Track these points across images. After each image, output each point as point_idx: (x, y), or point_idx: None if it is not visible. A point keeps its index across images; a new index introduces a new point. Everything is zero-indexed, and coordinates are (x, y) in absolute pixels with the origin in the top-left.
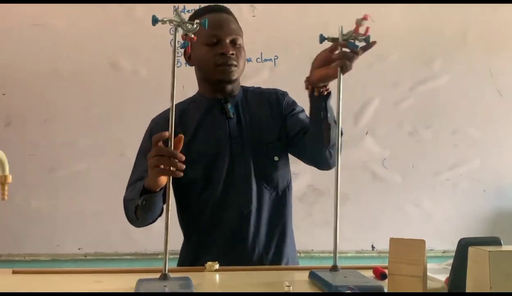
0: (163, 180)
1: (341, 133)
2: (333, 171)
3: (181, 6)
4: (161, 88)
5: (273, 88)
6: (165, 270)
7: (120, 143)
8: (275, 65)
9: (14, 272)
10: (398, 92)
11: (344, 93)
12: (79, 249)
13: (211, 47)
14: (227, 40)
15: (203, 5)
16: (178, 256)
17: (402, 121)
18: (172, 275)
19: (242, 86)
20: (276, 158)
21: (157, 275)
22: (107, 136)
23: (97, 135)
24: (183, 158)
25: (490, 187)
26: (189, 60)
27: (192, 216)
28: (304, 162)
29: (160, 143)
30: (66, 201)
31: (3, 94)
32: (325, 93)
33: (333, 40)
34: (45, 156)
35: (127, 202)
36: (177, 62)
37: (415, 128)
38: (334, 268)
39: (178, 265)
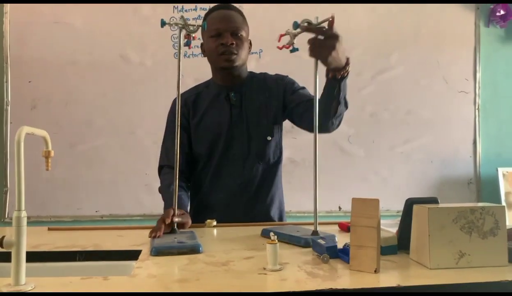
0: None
1: (346, 107)
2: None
3: (179, 5)
4: (163, 77)
5: (275, 74)
6: (174, 225)
7: (130, 123)
8: (260, 57)
9: (49, 229)
10: (361, 80)
11: (322, 82)
12: (96, 211)
13: (215, 39)
14: (228, 32)
15: (211, 5)
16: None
17: (364, 104)
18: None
19: (250, 72)
20: (269, 138)
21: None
22: (119, 117)
23: (110, 116)
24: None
25: (436, 158)
26: (204, 52)
27: (196, 184)
28: (303, 128)
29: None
30: (85, 171)
31: (29, 81)
32: (339, 76)
33: (307, 25)
34: (66, 134)
35: (160, 190)
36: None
37: (375, 110)
38: (314, 233)
39: None
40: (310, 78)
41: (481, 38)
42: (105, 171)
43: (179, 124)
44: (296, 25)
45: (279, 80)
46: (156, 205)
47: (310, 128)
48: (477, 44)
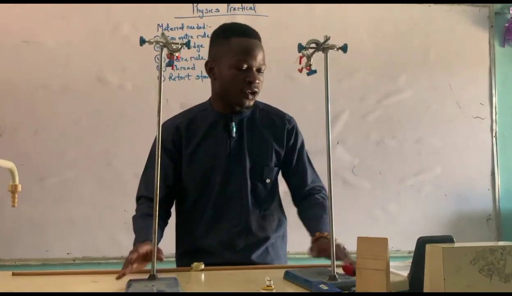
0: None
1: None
2: None
3: (164, 24)
4: (146, 102)
5: (281, 111)
6: (153, 271)
7: (107, 154)
8: None
9: (14, 274)
10: (366, 105)
11: (316, 106)
12: (68, 253)
13: (240, 71)
14: (255, 69)
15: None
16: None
17: (369, 132)
18: (159, 275)
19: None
20: (267, 180)
21: (146, 276)
22: (94, 147)
23: (85, 146)
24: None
25: (450, 191)
26: (209, 72)
27: (184, 223)
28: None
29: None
30: (55, 208)
31: None
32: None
33: (312, 46)
34: (35, 166)
35: (133, 219)
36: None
37: (382, 138)
38: (332, 278)
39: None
40: (305, 100)
41: (496, 59)
42: (78, 207)
43: (159, 154)
44: (301, 47)
45: (287, 121)
46: None
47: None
48: (492, 65)
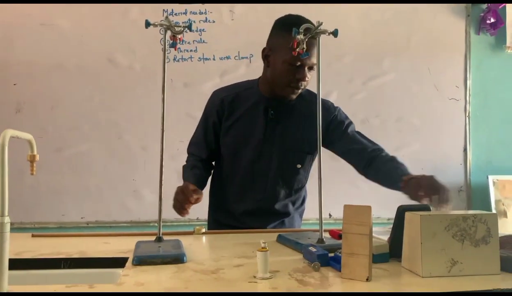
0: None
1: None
2: None
3: (169, 9)
4: (152, 81)
5: (326, 100)
6: (159, 233)
7: (117, 128)
8: (250, 62)
9: (33, 236)
10: (353, 86)
11: (309, 87)
12: (82, 218)
13: (292, 67)
14: (306, 67)
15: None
16: (168, 223)
17: (356, 111)
18: (165, 238)
19: None
20: (299, 166)
21: (153, 238)
22: (106, 122)
23: (97, 121)
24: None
25: (427, 166)
26: (265, 59)
27: (219, 188)
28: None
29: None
30: (71, 176)
31: (14, 84)
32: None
33: (305, 31)
34: (52, 138)
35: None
36: (166, 58)
37: (366, 117)
38: (320, 241)
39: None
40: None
41: (471, 46)
42: (91, 176)
43: (163, 138)
44: (296, 32)
45: (326, 112)
46: (142, 211)
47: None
48: (467, 51)
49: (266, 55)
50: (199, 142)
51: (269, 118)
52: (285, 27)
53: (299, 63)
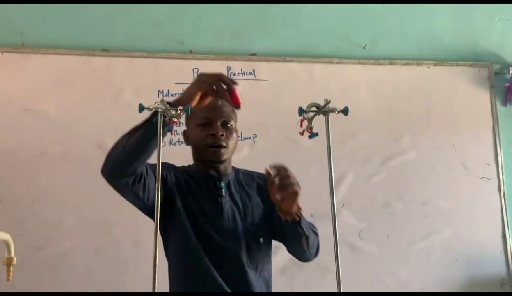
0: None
1: (316, 234)
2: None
3: (165, 90)
4: None
5: (262, 173)
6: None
7: (105, 222)
8: (254, 143)
9: None
10: (370, 167)
11: (319, 169)
12: None
13: (203, 128)
14: (218, 122)
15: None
16: None
17: (375, 194)
18: None
19: (233, 166)
20: (261, 240)
21: None
22: (92, 215)
23: (83, 214)
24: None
25: (461, 255)
26: (186, 140)
27: (181, 276)
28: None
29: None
30: (51, 280)
31: None
32: (297, 219)
33: (312, 109)
34: (32, 236)
35: (121, 138)
36: (162, 142)
37: (388, 201)
38: None
39: None
40: (307, 163)
41: (499, 119)
42: (75, 279)
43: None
44: (301, 111)
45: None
46: None
47: (293, 255)
48: (495, 125)
49: (186, 137)
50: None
51: (222, 194)
52: None
53: (207, 121)
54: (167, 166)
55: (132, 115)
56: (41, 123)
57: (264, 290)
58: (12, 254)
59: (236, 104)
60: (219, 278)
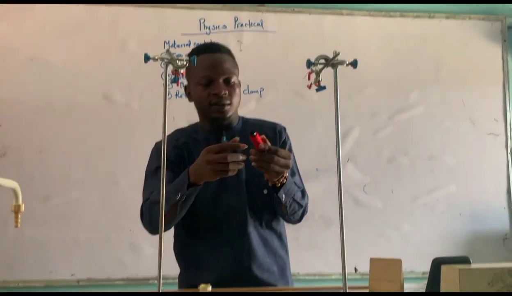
0: (213, 179)
1: (301, 205)
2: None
3: (171, 41)
4: (152, 121)
5: (272, 122)
6: (159, 291)
7: (112, 174)
8: (261, 96)
9: None
10: (377, 121)
11: (326, 123)
12: (72, 275)
13: (205, 87)
14: (220, 80)
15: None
16: (169, 280)
17: (381, 149)
18: None
19: (242, 117)
20: (265, 191)
21: None
22: (100, 167)
23: (90, 166)
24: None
25: (465, 210)
26: (189, 96)
27: (186, 241)
28: None
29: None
30: (59, 229)
31: None
32: (278, 184)
33: (321, 61)
34: (39, 186)
35: (156, 204)
36: (168, 94)
37: (394, 155)
38: None
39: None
40: (314, 117)
41: (510, 74)
42: (83, 228)
43: (164, 167)
44: (310, 63)
45: (278, 132)
46: (140, 267)
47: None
48: (506, 81)
49: (188, 92)
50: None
51: None
52: (189, 56)
53: (209, 79)
54: (171, 150)
55: (138, 66)
56: (47, 74)
57: (275, 244)
58: (20, 202)
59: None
60: (223, 230)
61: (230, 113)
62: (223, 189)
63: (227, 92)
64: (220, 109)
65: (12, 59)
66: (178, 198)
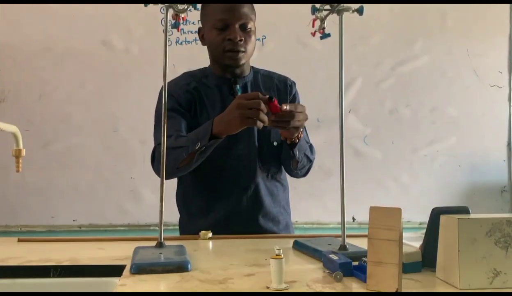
0: (239, 128)
1: (310, 161)
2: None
3: None
4: (152, 66)
5: (283, 75)
6: (160, 238)
7: (113, 119)
8: (263, 44)
9: (19, 240)
10: (380, 72)
11: (328, 73)
12: (73, 220)
13: (220, 31)
14: (236, 25)
15: None
16: (171, 227)
17: (383, 100)
18: (167, 243)
19: (252, 67)
20: (275, 143)
21: (153, 243)
22: (100, 112)
23: (90, 111)
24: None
25: (465, 162)
26: (202, 39)
27: (192, 187)
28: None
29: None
30: (60, 174)
31: None
32: (296, 140)
33: (326, 7)
34: (39, 131)
35: (173, 150)
36: (168, 40)
37: (396, 106)
38: (342, 248)
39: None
40: (317, 67)
41: None
42: (84, 174)
43: (166, 111)
44: (314, 9)
45: (289, 85)
46: (142, 213)
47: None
48: None
49: (202, 35)
50: (174, 125)
51: (236, 94)
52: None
53: (225, 23)
54: (174, 91)
55: (136, 11)
56: (45, 17)
57: (280, 195)
58: (21, 146)
59: (275, 112)
60: (232, 178)
61: (243, 61)
62: (234, 138)
63: (242, 38)
64: (234, 56)
65: (10, 4)
66: (197, 148)
